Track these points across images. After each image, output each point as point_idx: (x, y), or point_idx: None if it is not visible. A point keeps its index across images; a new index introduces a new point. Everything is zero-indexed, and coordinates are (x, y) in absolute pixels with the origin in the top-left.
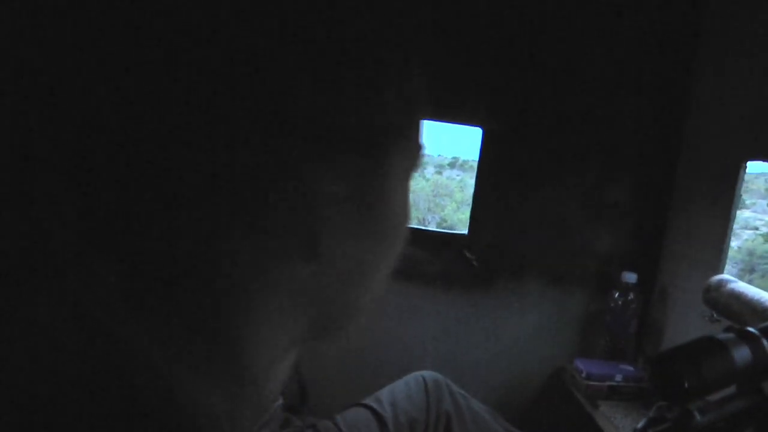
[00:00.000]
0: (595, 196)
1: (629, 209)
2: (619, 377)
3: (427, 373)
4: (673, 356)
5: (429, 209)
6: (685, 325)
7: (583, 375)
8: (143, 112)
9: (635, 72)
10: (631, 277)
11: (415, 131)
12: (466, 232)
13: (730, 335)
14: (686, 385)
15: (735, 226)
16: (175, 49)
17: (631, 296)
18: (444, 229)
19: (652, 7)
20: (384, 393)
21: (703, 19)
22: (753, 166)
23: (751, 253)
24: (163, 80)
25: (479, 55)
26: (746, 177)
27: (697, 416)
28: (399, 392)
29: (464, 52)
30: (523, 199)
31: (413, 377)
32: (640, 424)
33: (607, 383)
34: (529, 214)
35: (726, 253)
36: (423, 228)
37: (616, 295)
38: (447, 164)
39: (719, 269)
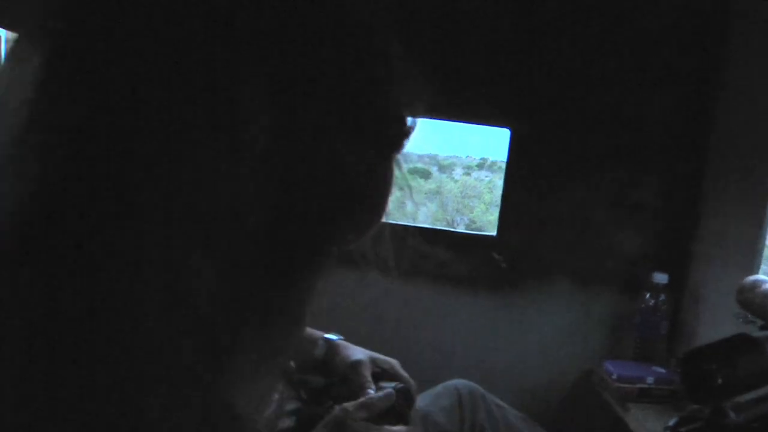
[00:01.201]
0: (625, 196)
1: (659, 209)
2: (650, 379)
3: (461, 383)
4: (705, 354)
5: (458, 210)
6: (719, 326)
7: (614, 377)
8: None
9: (663, 69)
10: (661, 278)
11: (392, 111)
12: (494, 233)
13: (766, 333)
14: (719, 382)
15: None
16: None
17: (662, 297)
18: (473, 230)
19: (678, 4)
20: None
21: (731, 12)
22: None
23: None
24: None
25: (506, 55)
26: None
27: (732, 415)
28: (431, 404)
29: (491, 53)
30: (552, 200)
31: (445, 387)
32: (671, 422)
33: (638, 385)
34: (558, 215)
35: (761, 253)
36: (450, 229)
37: (647, 296)
38: (475, 165)
39: (754, 269)
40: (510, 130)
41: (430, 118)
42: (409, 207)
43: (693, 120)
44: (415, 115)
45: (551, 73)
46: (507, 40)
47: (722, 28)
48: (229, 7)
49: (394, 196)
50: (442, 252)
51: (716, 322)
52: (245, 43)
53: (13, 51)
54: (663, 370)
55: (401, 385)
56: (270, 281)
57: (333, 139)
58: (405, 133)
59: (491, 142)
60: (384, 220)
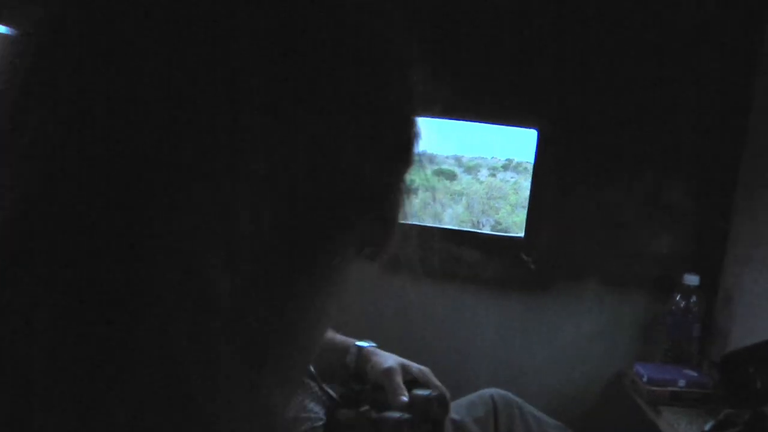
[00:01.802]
0: (655, 196)
1: (691, 209)
2: (682, 382)
3: (497, 392)
4: (743, 356)
5: (483, 212)
6: (753, 329)
7: (644, 380)
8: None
9: (695, 67)
10: (692, 280)
11: (398, 129)
12: (522, 234)
13: None
14: (758, 386)
15: None
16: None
17: (694, 299)
18: (499, 231)
19: (712, 1)
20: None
21: (766, 11)
22: None
23: None
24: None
25: (533, 56)
26: None
27: None
28: (465, 413)
29: (518, 53)
30: (580, 201)
31: (480, 396)
32: (707, 427)
33: (670, 388)
34: (588, 216)
35: None
36: (477, 231)
37: (678, 298)
38: (501, 166)
39: None
40: (537, 130)
41: (457, 119)
42: (434, 209)
43: (726, 117)
44: (428, 117)
45: (578, 72)
46: (533, 41)
47: (758, 27)
48: (236, 15)
49: (420, 198)
50: (470, 254)
51: (750, 325)
52: (250, 52)
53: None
54: (695, 373)
55: (436, 393)
56: (286, 290)
57: (340, 149)
58: (412, 140)
59: (516, 143)
60: (410, 223)
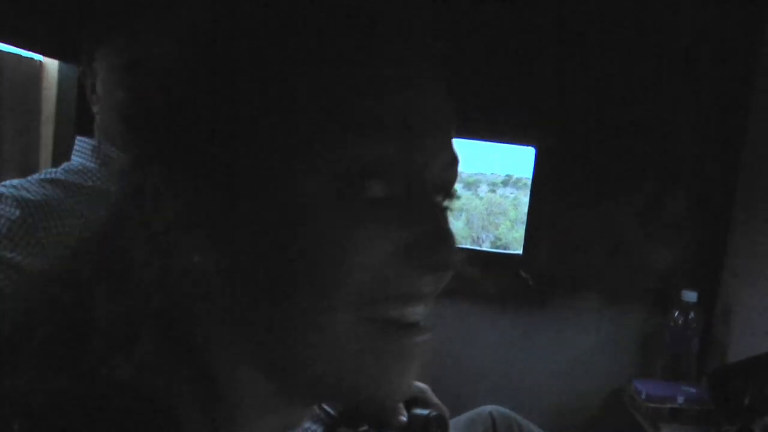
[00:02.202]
0: (653, 212)
1: (688, 225)
2: (681, 399)
3: (495, 409)
4: (733, 371)
5: (483, 228)
6: (751, 344)
7: (643, 396)
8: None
9: (692, 82)
10: (691, 296)
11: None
12: (520, 251)
13: None
14: (746, 401)
15: None
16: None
17: (692, 315)
18: (499, 247)
19: (709, 16)
20: None
21: (764, 25)
22: None
23: None
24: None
25: (531, 72)
26: None
27: None
28: (464, 431)
29: (515, 70)
30: (578, 217)
31: (479, 413)
32: None
33: (669, 405)
34: (586, 232)
35: None
36: (477, 248)
37: (676, 314)
38: (500, 182)
39: None
40: (535, 148)
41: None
42: None
43: (724, 134)
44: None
45: (576, 89)
46: (531, 59)
47: (754, 40)
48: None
49: None
50: (469, 270)
51: (749, 340)
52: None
53: None
54: (693, 390)
55: (435, 412)
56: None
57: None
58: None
59: (516, 159)
60: None
